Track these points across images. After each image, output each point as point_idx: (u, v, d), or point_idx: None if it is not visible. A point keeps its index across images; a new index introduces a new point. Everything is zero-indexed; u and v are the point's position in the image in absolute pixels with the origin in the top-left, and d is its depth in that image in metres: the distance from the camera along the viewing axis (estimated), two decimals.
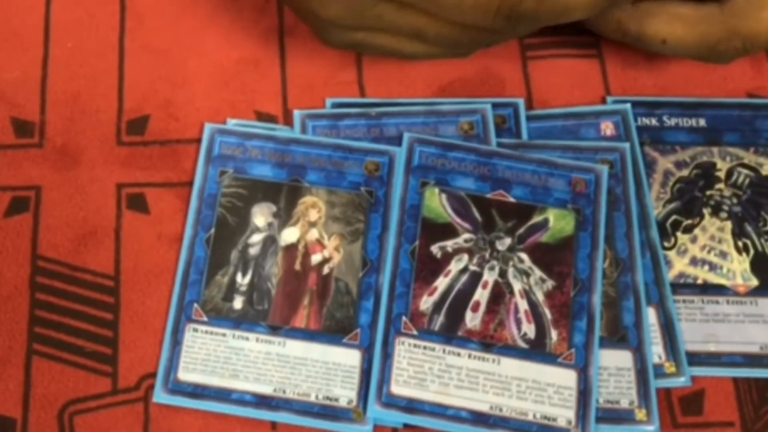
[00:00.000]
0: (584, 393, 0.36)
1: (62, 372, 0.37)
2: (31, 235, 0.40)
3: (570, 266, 0.38)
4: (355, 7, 0.36)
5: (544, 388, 0.36)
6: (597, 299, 0.38)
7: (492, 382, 0.37)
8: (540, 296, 0.38)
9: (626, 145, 0.41)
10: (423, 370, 0.37)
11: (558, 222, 0.39)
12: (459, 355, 0.37)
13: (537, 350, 0.37)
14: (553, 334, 0.37)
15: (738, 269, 0.39)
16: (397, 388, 0.36)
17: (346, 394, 0.37)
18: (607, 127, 0.41)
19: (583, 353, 0.37)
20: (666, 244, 0.40)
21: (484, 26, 0.36)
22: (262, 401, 0.36)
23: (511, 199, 0.40)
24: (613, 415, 0.36)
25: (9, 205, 0.40)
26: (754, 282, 0.39)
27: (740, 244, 0.40)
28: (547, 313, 0.38)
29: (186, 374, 0.37)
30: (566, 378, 0.36)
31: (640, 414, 0.36)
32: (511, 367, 0.37)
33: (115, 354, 0.38)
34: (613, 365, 0.37)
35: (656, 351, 0.37)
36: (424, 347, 0.37)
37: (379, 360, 0.37)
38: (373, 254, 0.39)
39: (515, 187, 0.40)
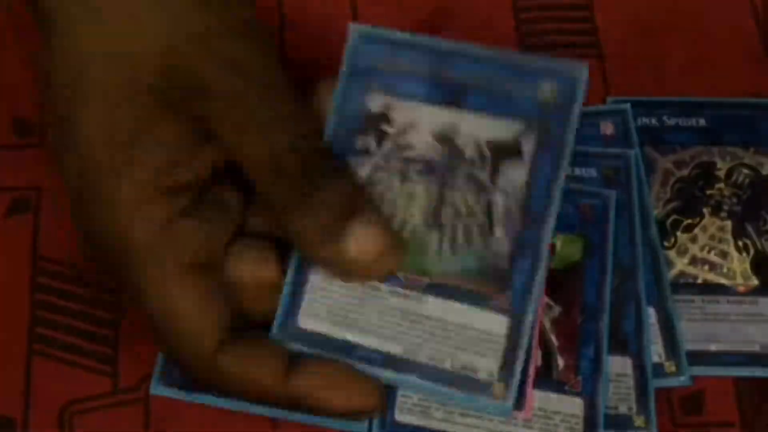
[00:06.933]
0: (591, 422, 0.36)
1: (62, 372, 0.37)
2: (32, 236, 0.40)
3: (577, 293, 0.38)
4: None
5: (550, 416, 0.36)
6: (604, 326, 0.37)
7: None
8: (546, 323, 0.37)
9: (631, 153, 0.40)
10: None
11: (565, 248, 0.38)
12: None
13: (543, 377, 0.37)
14: (560, 362, 0.37)
15: (738, 269, 0.39)
16: None
17: None
18: (607, 128, 0.41)
19: (591, 381, 0.36)
20: (666, 244, 0.40)
21: None
22: None
23: None
24: (611, 420, 0.36)
25: (9, 206, 0.40)
26: (755, 281, 0.39)
27: (740, 243, 0.40)
28: (554, 340, 0.37)
29: None
30: (573, 406, 0.36)
31: (639, 420, 0.36)
32: None
33: (115, 354, 0.38)
34: (613, 371, 0.37)
35: (656, 350, 0.37)
36: None
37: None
38: None
39: None
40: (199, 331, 0.30)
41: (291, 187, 0.30)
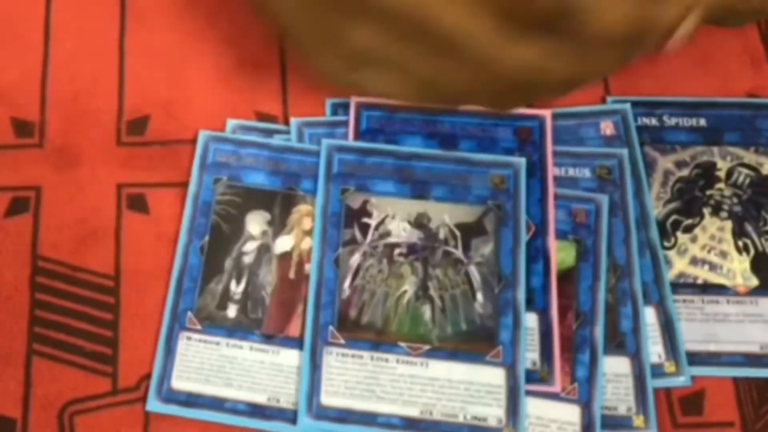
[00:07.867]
0: (588, 429, 0.36)
1: (62, 372, 0.37)
2: (32, 235, 0.40)
3: (571, 298, 0.38)
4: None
5: (547, 424, 0.36)
6: (599, 331, 0.37)
7: None
8: None
9: (624, 151, 0.40)
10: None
11: (559, 253, 0.38)
12: None
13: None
14: (556, 368, 0.37)
15: (738, 269, 0.39)
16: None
17: None
18: (607, 127, 0.41)
19: (586, 388, 0.36)
20: (666, 244, 0.40)
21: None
22: (256, 410, 0.36)
23: None
24: (610, 421, 0.36)
25: (9, 205, 0.40)
26: (755, 282, 0.39)
27: (740, 243, 0.40)
28: None
29: (179, 382, 0.37)
30: (570, 414, 0.36)
31: (638, 420, 0.36)
32: None
33: (115, 354, 0.38)
34: (611, 371, 0.37)
35: (656, 350, 0.37)
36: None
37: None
38: None
39: None
40: None
41: None
